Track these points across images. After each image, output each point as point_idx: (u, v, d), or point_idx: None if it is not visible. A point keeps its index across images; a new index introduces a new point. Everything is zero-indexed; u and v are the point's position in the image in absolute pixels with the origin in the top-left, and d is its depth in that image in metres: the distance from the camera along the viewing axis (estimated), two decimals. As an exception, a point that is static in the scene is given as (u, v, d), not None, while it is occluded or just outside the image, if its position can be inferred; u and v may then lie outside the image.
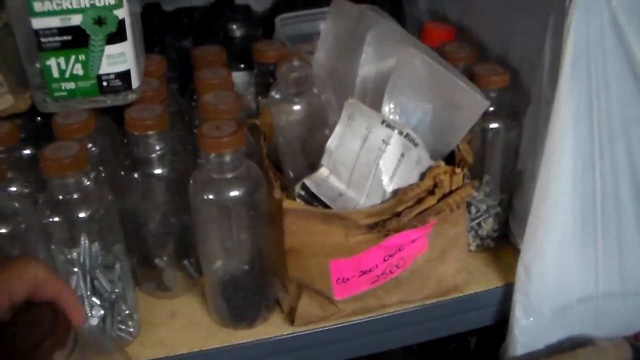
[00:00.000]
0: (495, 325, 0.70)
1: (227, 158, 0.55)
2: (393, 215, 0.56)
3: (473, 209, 0.69)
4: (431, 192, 0.58)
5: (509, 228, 0.71)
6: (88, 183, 0.54)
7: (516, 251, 0.66)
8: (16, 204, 0.54)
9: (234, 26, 0.78)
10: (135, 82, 0.59)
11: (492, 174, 0.68)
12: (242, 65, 0.76)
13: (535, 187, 0.63)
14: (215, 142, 0.53)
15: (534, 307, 0.65)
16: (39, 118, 0.64)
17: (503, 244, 0.71)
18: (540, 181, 0.63)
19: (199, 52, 0.70)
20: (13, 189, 0.58)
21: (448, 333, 0.69)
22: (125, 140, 0.60)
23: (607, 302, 0.68)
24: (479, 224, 0.70)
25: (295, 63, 0.68)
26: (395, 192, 0.57)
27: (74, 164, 0.52)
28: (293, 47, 0.79)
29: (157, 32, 0.80)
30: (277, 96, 0.67)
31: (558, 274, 0.66)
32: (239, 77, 0.76)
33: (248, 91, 0.76)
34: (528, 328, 0.66)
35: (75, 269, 0.56)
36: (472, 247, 0.71)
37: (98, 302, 0.57)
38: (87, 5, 0.54)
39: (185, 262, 0.66)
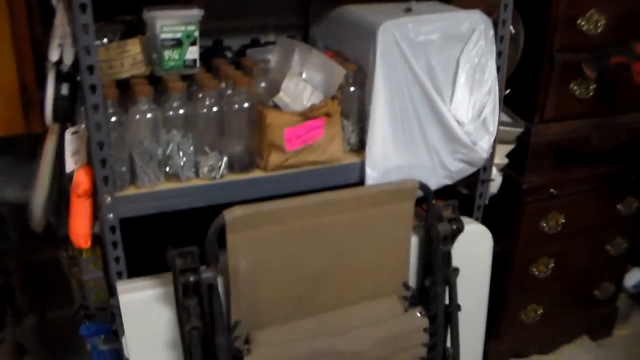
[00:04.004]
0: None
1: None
2: (309, 113, 1.47)
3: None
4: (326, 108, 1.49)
5: (364, 139, 1.62)
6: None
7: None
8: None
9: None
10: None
11: (353, 113, 1.60)
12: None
13: (372, 115, 1.56)
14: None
15: (376, 168, 1.56)
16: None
17: (361, 147, 1.62)
18: (372, 112, 1.55)
19: None
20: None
21: (336, 183, 1.56)
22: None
23: (410, 170, 1.60)
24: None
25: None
26: (312, 105, 1.48)
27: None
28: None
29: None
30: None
31: (385, 152, 1.57)
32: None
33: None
34: (373, 177, 1.56)
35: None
36: (347, 150, 1.62)
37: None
38: (183, 30, 1.44)
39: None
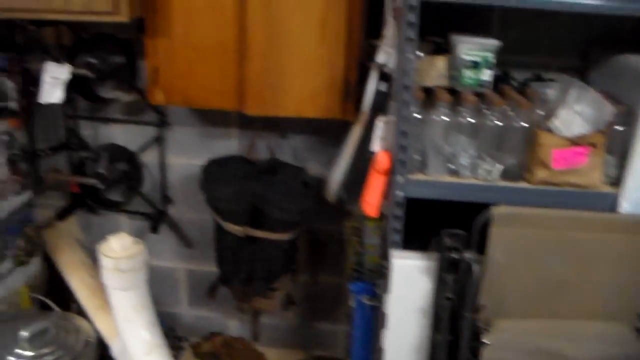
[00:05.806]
0: None
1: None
2: (577, 140, 1.77)
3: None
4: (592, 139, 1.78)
5: (623, 175, 1.86)
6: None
7: None
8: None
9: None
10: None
11: (617, 150, 1.86)
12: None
13: (635, 153, 1.81)
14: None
15: (630, 202, 1.80)
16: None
17: (618, 181, 1.87)
18: (635, 151, 1.80)
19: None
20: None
21: (589, 207, 1.83)
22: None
23: None
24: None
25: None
26: (580, 134, 1.78)
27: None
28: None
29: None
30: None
31: (640, 187, 1.81)
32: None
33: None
34: (626, 209, 1.81)
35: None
36: (605, 182, 1.88)
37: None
38: (484, 56, 1.83)
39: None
